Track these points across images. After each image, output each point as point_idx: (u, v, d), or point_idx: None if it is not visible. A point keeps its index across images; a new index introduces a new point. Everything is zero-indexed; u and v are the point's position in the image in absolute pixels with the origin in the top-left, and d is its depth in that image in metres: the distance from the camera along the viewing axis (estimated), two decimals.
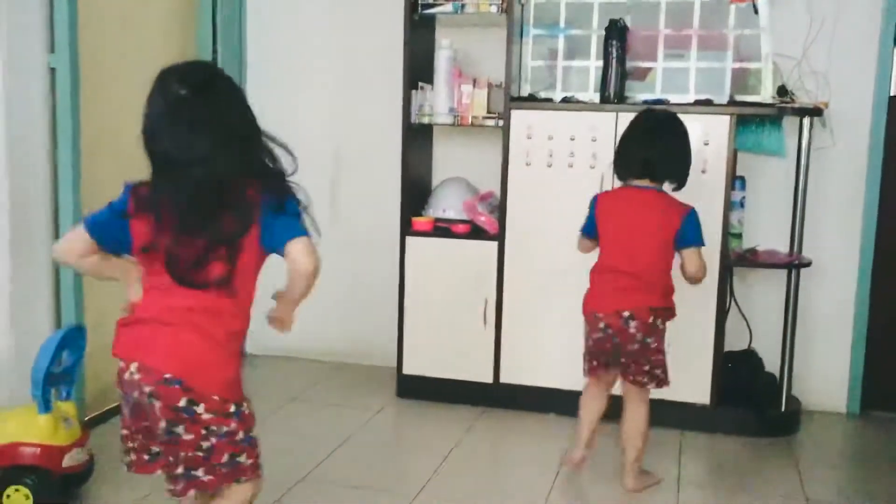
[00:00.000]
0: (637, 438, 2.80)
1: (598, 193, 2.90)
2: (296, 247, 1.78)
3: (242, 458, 1.85)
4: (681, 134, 2.73)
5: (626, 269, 2.70)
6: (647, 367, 2.73)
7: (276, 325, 1.96)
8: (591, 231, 2.81)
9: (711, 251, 3.22)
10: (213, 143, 1.73)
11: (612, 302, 2.72)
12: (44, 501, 2.47)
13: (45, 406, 2.47)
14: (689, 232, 2.67)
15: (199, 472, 1.83)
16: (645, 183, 2.72)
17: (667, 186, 2.77)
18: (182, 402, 1.77)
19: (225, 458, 1.83)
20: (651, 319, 2.69)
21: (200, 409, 1.78)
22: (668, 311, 2.75)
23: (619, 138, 2.84)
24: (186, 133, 1.73)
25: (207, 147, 1.73)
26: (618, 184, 2.88)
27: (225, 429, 1.81)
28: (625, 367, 2.75)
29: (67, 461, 2.51)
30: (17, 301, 2.92)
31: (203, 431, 1.80)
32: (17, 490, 2.45)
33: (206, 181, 1.72)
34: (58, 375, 2.53)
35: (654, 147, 2.71)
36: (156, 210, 1.73)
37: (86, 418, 3.06)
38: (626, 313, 2.68)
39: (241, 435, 1.84)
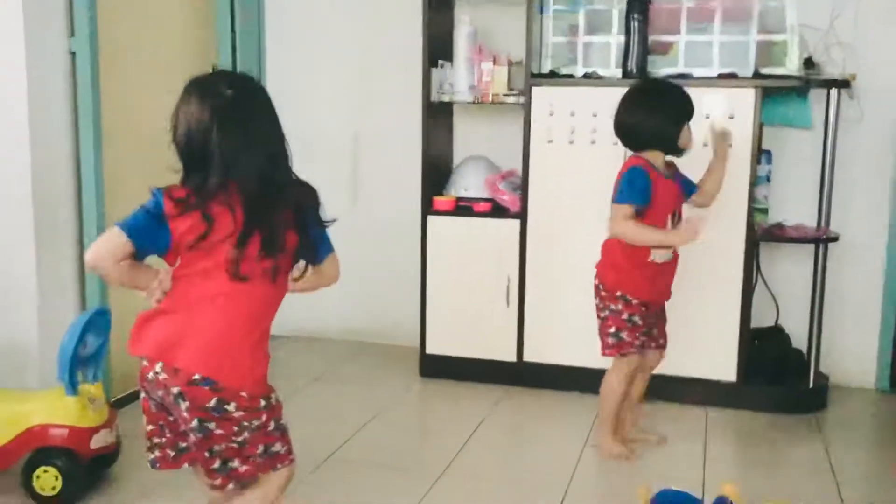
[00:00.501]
0: (601, 400, 2.90)
1: None
2: (333, 261, 1.95)
3: (277, 447, 1.87)
4: (645, 101, 2.74)
5: None
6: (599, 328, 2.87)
7: None
8: None
9: (737, 226, 3.20)
10: (268, 138, 1.80)
11: None
12: (73, 482, 2.50)
13: (73, 388, 2.50)
14: (617, 189, 2.73)
15: (236, 463, 1.84)
16: (634, 153, 2.80)
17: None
18: (212, 403, 1.77)
19: (259, 449, 1.84)
20: (596, 282, 2.85)
21: (231, 407, 1.78)
22: (602, 278, 2.82)
23: None
24: (243, 130, 1.76)
25: (264, 140, 1.78)
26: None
27: (256, 422, 1.82)
28: None
29: (95, 442, 2.54)
30: (42, 286, 2.94)
31: (235, 428, 1.80)
32: (46, 471, 2.48)
33: (268, 173, 1.77)
34: (84, 358, 2.55)
35: (623, 117, 2.77)
36: (203, 207, 1.73)
37: (112, 400, 3.09)
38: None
39: (272, 425, 1.85)
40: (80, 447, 2.51)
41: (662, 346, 2.94)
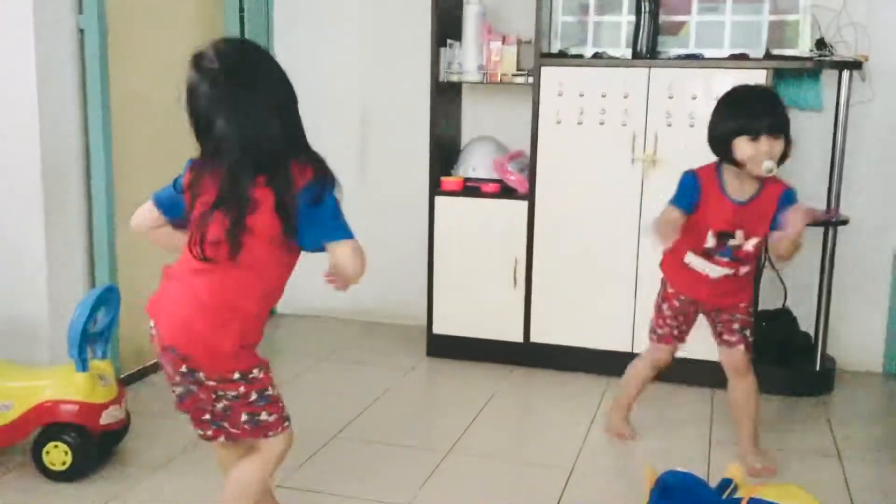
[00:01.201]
0: (624, 375, 2.95)
1: None
2: (343, 251, 1.79)
3: (264, 416, 1.88)
4: (717, 106, 2.59)
5: None
6: None
7: (338, 283, 1.89)
8: None
9: None
10: (252, 114, 1.73)
11: None
12: (82, 458, 2.52)
13: (83, 365, 2.52)
14: None
15: (226, 424, 1.89)
16: None
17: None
18: (183, 369, 1.82)
19: (244, 417, 1.87)
20: None
21: (202, 375, 1.82)
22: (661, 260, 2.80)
23: None
24: (224, 107, 1.73)
25: (245, 118, 1.73)
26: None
27: (233, 393, 1.84)
28: None
29: (105, 419, 2.55)
30: (52, 263, 2.95)
31: (213, 395, 1.85)
32: (56, 446, 2.50)
33: (247, 152, 1.72)
34: (94, 335, 2.57)
35: None
36: (193, 184, 1.77)
37: (121, 376, 3.11)
38: None
39: (253, 396, 1.86)
40: (90, 423, 2.53)
41: (730, 344, 2.71)
